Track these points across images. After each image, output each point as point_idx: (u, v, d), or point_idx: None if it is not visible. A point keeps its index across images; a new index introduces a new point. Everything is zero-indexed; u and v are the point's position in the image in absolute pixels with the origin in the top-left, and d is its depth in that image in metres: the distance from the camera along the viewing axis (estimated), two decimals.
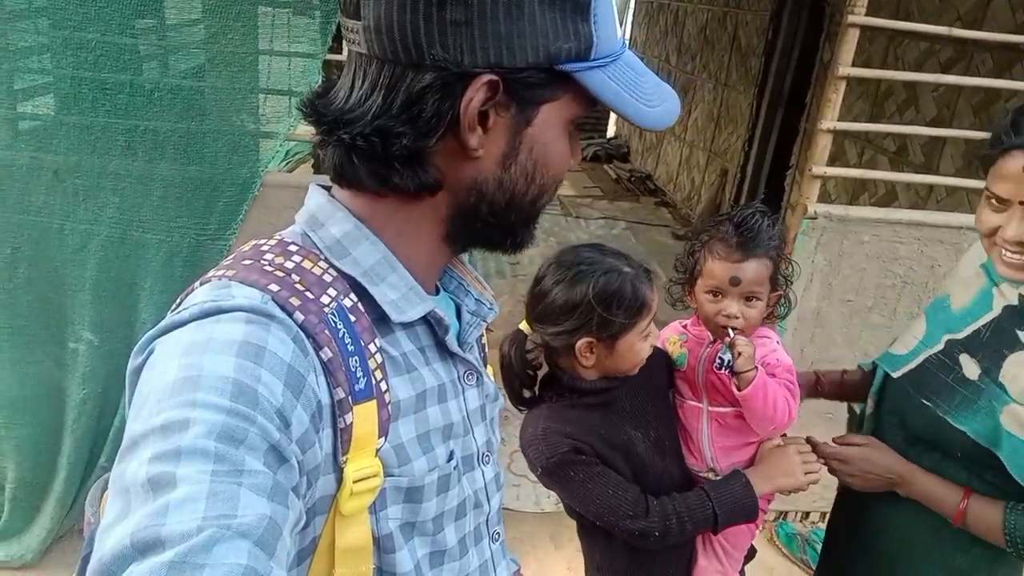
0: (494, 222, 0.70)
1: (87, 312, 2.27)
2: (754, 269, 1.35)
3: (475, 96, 0.61)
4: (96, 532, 0.51)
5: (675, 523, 1.30)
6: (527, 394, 1.38)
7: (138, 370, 0.59)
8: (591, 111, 0.69)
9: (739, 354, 1.32)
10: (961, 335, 1.33)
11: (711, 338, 1.44)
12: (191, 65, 2.27)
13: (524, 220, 0.72)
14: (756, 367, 1.34)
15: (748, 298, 1.37)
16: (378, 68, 0.63)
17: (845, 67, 2.31)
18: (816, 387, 1.62)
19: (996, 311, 1.29)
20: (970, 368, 1.29)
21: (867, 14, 2.28)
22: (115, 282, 2.25)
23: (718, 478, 1.43)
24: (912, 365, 1.40)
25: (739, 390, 1.34)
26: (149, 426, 0.52)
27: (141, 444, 0.52)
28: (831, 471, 1.41)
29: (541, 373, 1.40)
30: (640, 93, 0.67)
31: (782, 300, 1.46)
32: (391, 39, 0.61)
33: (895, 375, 1.42)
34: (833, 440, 1.43)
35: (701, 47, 7.41)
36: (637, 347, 1.30)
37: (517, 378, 1.36)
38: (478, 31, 0.59)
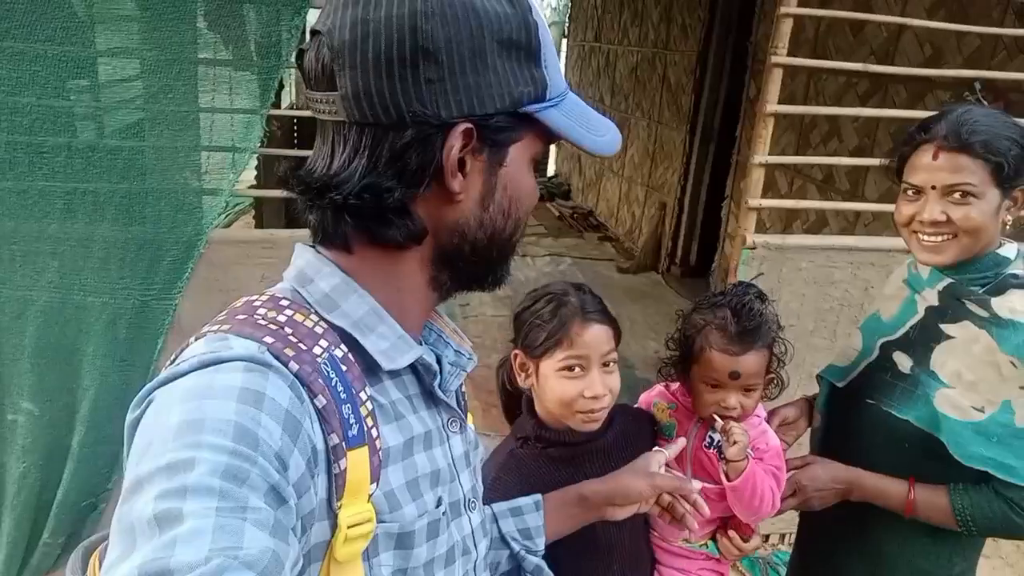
0: (476, 260, 0.74)
1: (26, 381, 2.18)
2: (754, 361, 1.32)
3: (455, 144, 0.67)
4: None
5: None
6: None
7: (136, 422, 0.61)
8: (547, 147, 0.77)
9: (734, 442, 1.29)
10: (893, 337, 1.47)
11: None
12: (128, 122, 2.24)
13: (503, 256, 0.77)
14: (748, 457, 1.31)
15: (746, 389, 1.34)
16: (358, 132, 0.67)
17: (772, 104, 2.44)
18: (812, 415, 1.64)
19: (920, 313, 1.43)
20: (903, 363, 1.42)
21: (788, 53, 2.42)
22: (55, 349, 2.17)
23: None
24: (854, 374, 1.52)
25: (728, 479, 1.32)
26: (154, 466, 0.54)
27: (146, 484, 0.54)
28: (785, 509, 1.43)
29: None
30: (589, 125, 0.74)
31: (775, 381, 1.43)
32: (370, 104, 0.65)
33: (840, 384, 1.54)
34: None
35: (633, 87, 7.66)
36: (559, 384, 1.22)
37: (504, 399, 1.40)
38: (450, 85, 0.65)
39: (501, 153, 0.71)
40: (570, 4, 10.38)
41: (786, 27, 2.38)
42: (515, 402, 1.39)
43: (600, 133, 0.75)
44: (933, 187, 1.30)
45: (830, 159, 3.30)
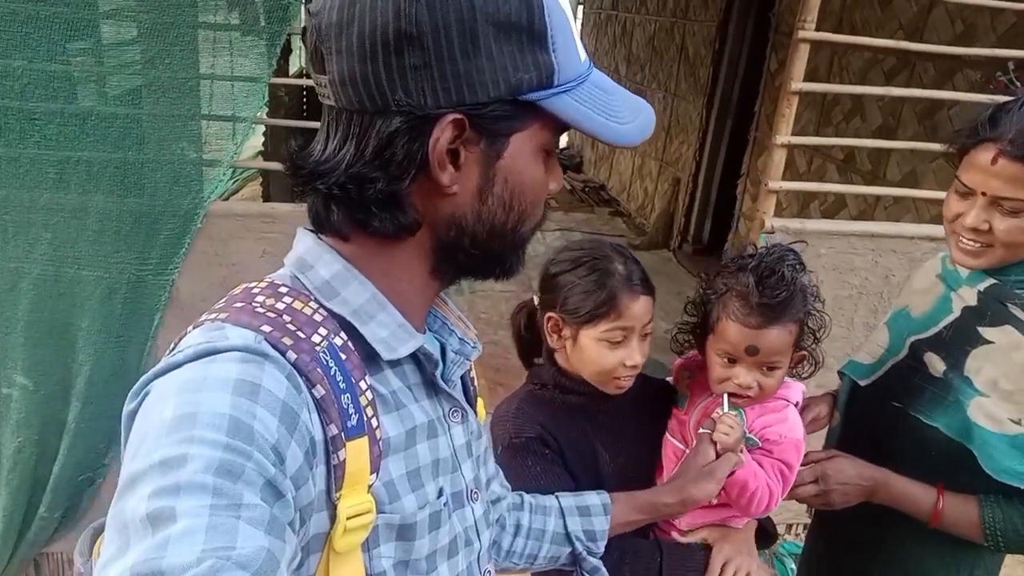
0: (478, 253, 0.71)
1: (20, 355, 2.13)
2: (776, 337, 1.19)
3: (442, 136, 0.63)
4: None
5: (616, 558, 1.19)
6: (535, 360, 1.36)
7: (133, 413, 0.60)
8: (559, 135, 0.70)
9: (723, 434, 1.19)
10: (924, 335, 1.38)
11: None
12: (126, 88, 2.16)
13: (510, 247, 0.73)
14: (741, 452, 1.20)
15: (768, 367, 1.22)
16: (347, 119, 0.65)
17: (797, 82, 2.33)
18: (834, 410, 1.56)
19: (956, 313, 1.34)
20: (935, 365, 1.34)
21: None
22: (49, 323, 2.12)
23: (683, 540, 1.33)
24: (880, 373, 1.44)
25: None
26: (148, 463, 0.53)
27: (140, 481, 0.53)
28: (802, 500, 1.36)
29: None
30: (609, 111, 0.68)
31: (807, 359, 1.29)
32: (356, 90, 0.63)
33: (863, 383, 1.46)
34: None
35: (650, 57, 7.49)
36: (598, 352, 1.21)
37: (520, 343, 1.36)
38: (437, 73, 0.61)
39: (500, 144, 0.66)
40: None
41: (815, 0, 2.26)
42: (532, 348, 1.36)
43: (623, 120, 0.68)
44: (984, 193, 1.20)
45: (851, 141, 3.18)
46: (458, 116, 0.62)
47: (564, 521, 1.07)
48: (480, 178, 0.67)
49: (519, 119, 0.65)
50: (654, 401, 1.39)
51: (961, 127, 1.28)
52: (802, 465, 1.32)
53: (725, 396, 1.24)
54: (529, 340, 1.36)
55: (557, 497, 1.10)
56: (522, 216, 0.70)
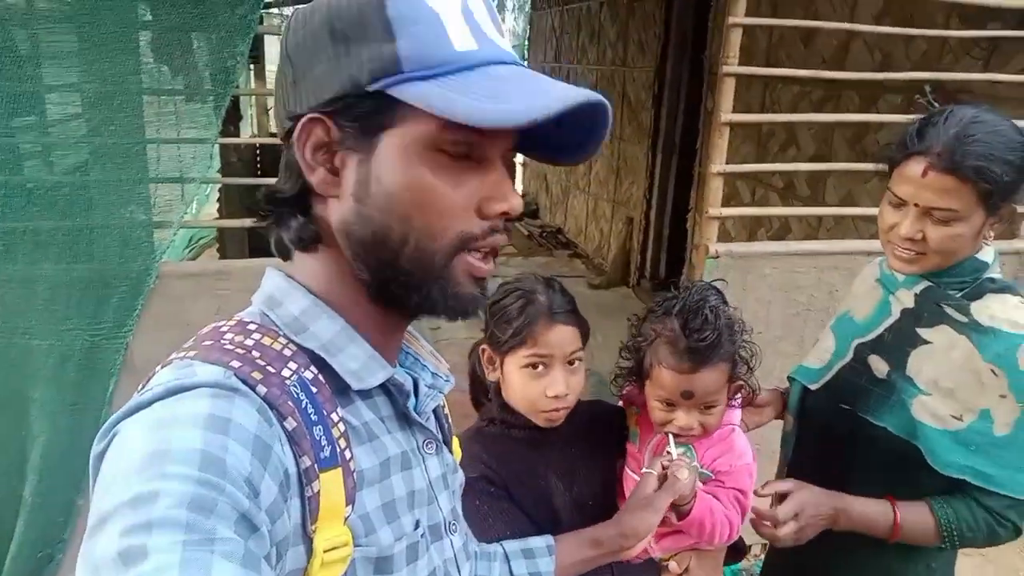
0: (382, 271, 0.67)
1: None
2: (709, 379, 1.21)
3: (305, 138, 0.66)
4: None
5: None
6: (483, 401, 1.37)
7: (101, 455, 0.59)
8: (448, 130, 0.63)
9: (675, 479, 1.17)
10: (867, 338, 1.42)
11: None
12: (76, 161, 2.18)
13: (420, 268, 0.67)
14: (693, 498, 1.20)
15: (705, 406, 1.24)
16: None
17: (726, 114, 2.45)
18: (784, 406, 1.59)
19: (895, 315, 1.39)
20: (879, 367, 1.38)
21: (742, 63, 2.44)
22: (1, 395, 2.08)
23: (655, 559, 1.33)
24: (828, 376, 1.47)
25: (676, 518, 1.21)
26: (118, 501, 0.52)
27: (110, 519, 0.52)
28: (766, 536, 1.31)
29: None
30: (493, 96, 0.61)
31: (744, 388, 1.31)
32: (279, 119, 0.71)
33: (813, 387, 1.49)
34: (757, 493, 1.32)
35: None
36: (522, 381, 1.21)
37: (473, 382, 1.37)
38: (303, 84, 0.67)
39: (368, 142, 0.65)
40: (529, 26, 10.47)
41: (735, 37, 2.40)
42: (483, 392, 1.38)
43: (509, 102, 0.60)
44: (916, 204, 1.24)
45: (787, 166, 3.33)
46: (314, 115, 0.66)
47: (509, 566, 1.05)
48: (356, 179, 0.66)
49: (380, 114, 0.64)
50: (608, 427, 1.39)
51: (890, 141, 1.32)
52: (763, 494, 1.31)
53: (671, 436, 1.25)
54: (482, 380, 1.35)
55: (501, 544, 1.07)
56: (410, 224, 0.65)
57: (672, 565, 1.33)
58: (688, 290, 1.27)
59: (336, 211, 0.69)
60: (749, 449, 1.33)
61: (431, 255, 0.66)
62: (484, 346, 1.28)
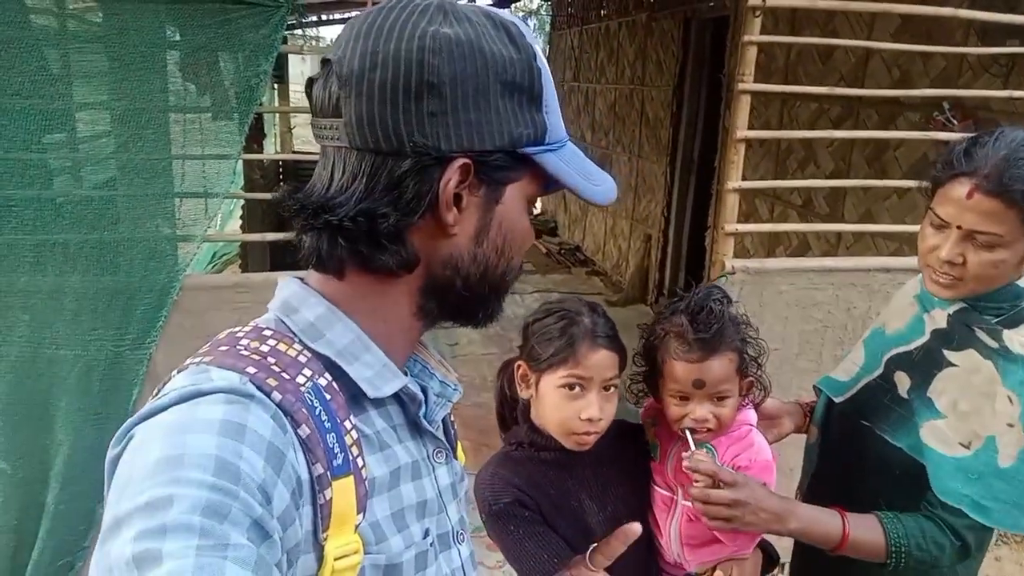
0: (467, 295, 0.74)
1: None
2: (718, 367, 1.24)
3: (452, 177, 0.67)
4: None
5: None
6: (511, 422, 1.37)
7: (116, 458, 0.60)
8: (542, 191, 0.77)
9: (696, 480, 1.21)
10: (899, 351, 1.40)
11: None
12: (104, 177, 2.24)
13: (494, 293, 0.77)
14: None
15: (718, 397, 1.26)
16: (359, 158, 0.68)
17: (742, 130, 2.46)
18: (805, 418, 1.58)
19: (926, 336, 1.36)
20: (903, 384, 1.36)
21: (760, 81, 2.46)
22: (27, 404, 2.13)
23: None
24: (854, 390, 1.46)
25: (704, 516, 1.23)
26: (133, 505, 0.53)
27: (125, 524, 0.53)
28: (696, 496, 1.26)
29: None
30: (586, 173, 0.75)
31: (755, 385, 1.33)
32: (372, 131, 0.66)
33: (838, 400, 1.48)
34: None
35: (613, 123, 7.75)
36: (557, 401, 1.22)
37: (501, 401, 1.37)
38: (452, 120, 0.66)
39: (498, 191, 0.71)
40: (548, 46, 10.57)
41: (751, 55, 2.42)
42: (509, 410, 1.37)
43: (596, 182, 0.76)
44: (959, 227, 1.20)
45: (802, 182, 3.33)
46: (466, 161, 0.67)
47: None
48: (479, 222, 0.71)
49: (515, 170, 0.71)
50: (632, 444, 1.40)
51: (936, 160, 1.28)
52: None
53: (688, 434, 1.27)
54: (511, 399, 1.36)
55: None
56: (510, 263, 0.76)
57: (718, 575, 1.34)
58: (695, 291, 1.31)
59: (447, 247, 0.71)
60: (768, 447, 1.35)
61: (508, 281, 0.78)
62: (520, 362, 1.28)
